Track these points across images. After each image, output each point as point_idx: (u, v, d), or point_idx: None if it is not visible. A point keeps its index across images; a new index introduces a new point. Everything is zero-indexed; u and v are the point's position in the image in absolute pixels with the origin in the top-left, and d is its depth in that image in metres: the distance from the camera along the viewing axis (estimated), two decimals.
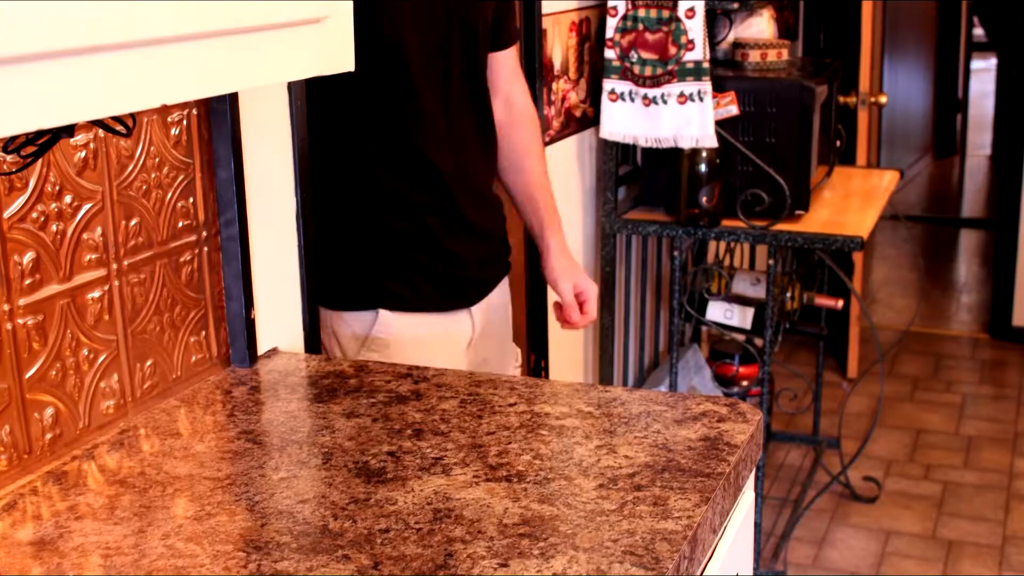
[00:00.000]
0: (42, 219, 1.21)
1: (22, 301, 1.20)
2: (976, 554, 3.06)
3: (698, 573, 1.15)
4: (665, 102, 2.63)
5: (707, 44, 2.60)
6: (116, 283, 1.32)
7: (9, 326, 1.18)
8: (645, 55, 2.62)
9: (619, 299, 2.97)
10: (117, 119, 1.20)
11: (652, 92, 2.64)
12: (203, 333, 1.47)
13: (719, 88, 2.69)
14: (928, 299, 5.15)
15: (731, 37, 3.00)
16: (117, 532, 1.10)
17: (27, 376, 1.21)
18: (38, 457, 1.23)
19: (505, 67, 1.94)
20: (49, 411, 1.24)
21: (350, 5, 1.08)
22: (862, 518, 3.26)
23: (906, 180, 6.53)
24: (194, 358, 1.46)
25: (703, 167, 2.66)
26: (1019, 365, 4.38)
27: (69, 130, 1.09)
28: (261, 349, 1.56)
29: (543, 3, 2.48)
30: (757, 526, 2.72)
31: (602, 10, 2.69)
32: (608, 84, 2.67)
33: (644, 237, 3.11)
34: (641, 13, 2.61)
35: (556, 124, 2.64)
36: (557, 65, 2.61)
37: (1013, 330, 4.59)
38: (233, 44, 0.95)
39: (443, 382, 1.46)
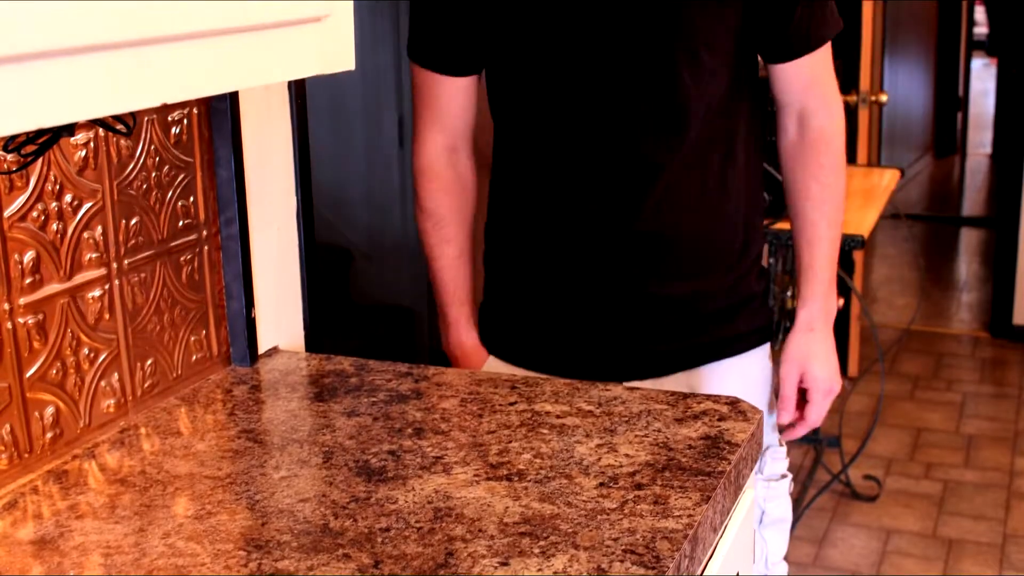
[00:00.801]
0: (42, 218, 1.21)
1: (22, 300, 1.20)
2: (977, 553, 3.06)
3: (699, 572, 1.15)
4: None
5: None
6: (116, 282, 1.32)
7: (9, 325, 1.18)
8: None
9: None
10: (117, 118, 1.20)
11: None
12: (203, 332, 1.47)
13: None
14: (928, 298, 5.14)
15: None
16: (118, 531, 1.10)
17: (27, 375, 1.21)
18: (39, 456, 1.23)
19: (798, 78, 1.59)
20: (49, 410, 1.24)
21: (351, 4, 1.08)
22: (863, 517, 3.26)
23: (906, 179, 6.52)
24: (194, 357, 1.46)
25: None
26: (1020, 364, 4.38)
27: (69, 129, 1.09)
28: (262, 348, 1.56)
29: None
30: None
31: None
32: None
33: None
34: None
35: None
36: None
37: (1013, 329, 4.59)
38: (234, 43, 0.95)
39: (443, 381, 1.46)
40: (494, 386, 1.44)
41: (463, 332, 1.69)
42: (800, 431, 1.68)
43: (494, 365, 1.66)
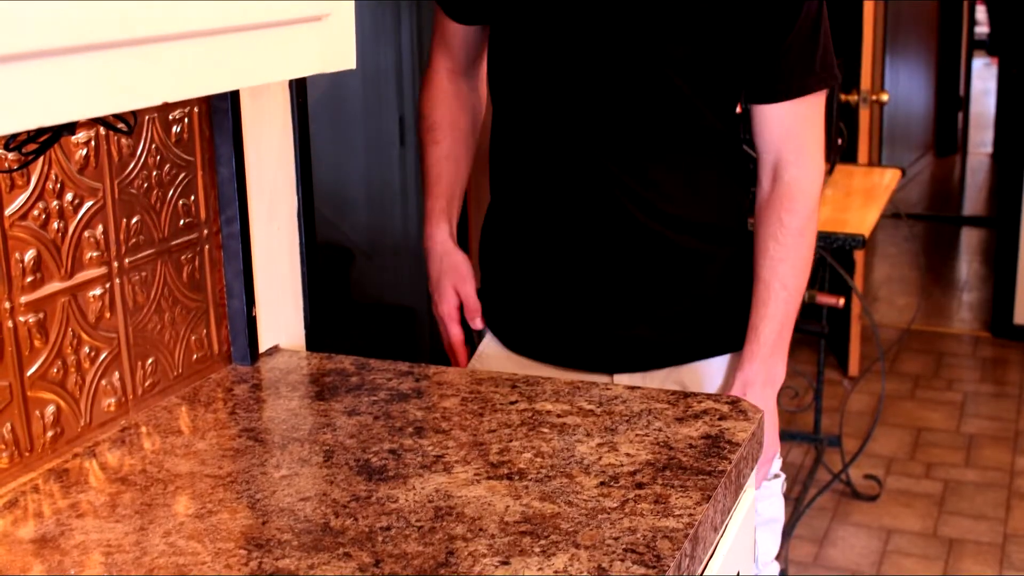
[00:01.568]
0: (43, 217, 1.21)
1: (23, 299, 1.20)
2: (977, 552, 3.06)
3: (699, 571, 1.15)
4: None
5: None
6: (117, 281, 1.32)
7: (10, 324, 1.18)
8: None
9: None
10: (118, 117, 1.20)
11: None
12: (204, 331, 1.47)
13: None
14: (929, 297, 5.14)
15: None
16: (118, 530, 1.10)
17: (28, 374, 1.21)
18: (39, 455, 1.23)
19: (775, 124, 1.54)
20: (50, 409, 1.24)
21: (351, 4, 1.08)
22: (863, 516, 3.26)
23: (907, 178, 6.52)
24: (195, 356, 1.46)
25: None
26: (1020, 363, 4.38)
27: (70, 128, 1.09)
28: (262, 347, 1.56)
29: None
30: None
31: None
32: None
33: None
34: None
35: None
36: None
37: (1014, 328, 4.59)
38: (234, 42, 0.95)
39: (444, 380, 1.46)
40: (495, 385, 1.44)
41: (434, 224, 1.72)
42: None
43: (489, 352, 1.68)
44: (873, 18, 4.01)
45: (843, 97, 3.54)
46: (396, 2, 3.55)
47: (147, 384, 1.38)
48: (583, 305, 1.58)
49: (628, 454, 1.24)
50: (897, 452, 3.65)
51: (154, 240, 1.38)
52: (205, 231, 1.46)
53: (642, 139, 1.51)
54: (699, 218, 1.57)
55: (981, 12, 8.72)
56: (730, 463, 1.22)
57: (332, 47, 1.07)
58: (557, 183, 1.56)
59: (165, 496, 1.16)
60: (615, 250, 1.55)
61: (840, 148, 3.25)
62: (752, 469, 1.33)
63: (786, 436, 3.68)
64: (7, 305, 1.18)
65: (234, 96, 1.44)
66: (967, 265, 5.90)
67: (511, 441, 1.28)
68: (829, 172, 3.17)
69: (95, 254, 1.29)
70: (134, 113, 1.27)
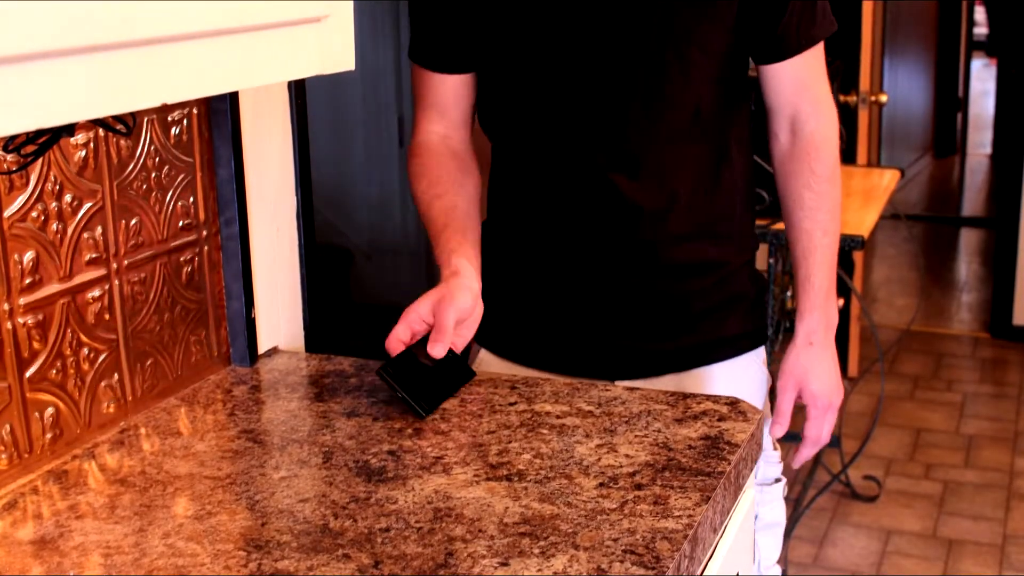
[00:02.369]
0: (42, 218, 1.21)
1: (22, 300, 1.20)
2: (977, 553, 3.06)
3: (699, 572, 1.15)
4: None
5: None
6: (116, 282, 1.32)
7: (9, 325, 1.18)
8: None
9: None
10: (117, 118, 1.20)
11: None
12: (203, 332, 1.47)
13: None
14: (928, 298, 5.14)
15: None
16: (118, 531, 1.10)
17: (27, 375, 1.21)
18: (39, 456, 1.23)
19: (788, 80, 1.55)
20: (49, 410, 1.24)
21: (351, 5, 1.08)
22: (862, 517, 3.26)
23: (906, 179, 6.53)
24: (194, 357, 1.46)
25: None
26: (1020, 364, 4.38)
27: (69, 129, 1.09)
28: (261, 348, 1.56)
29: None
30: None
31: None
32: None
33: None
34: None
35: None
36: None
37: (1013, 329, 4.59)
38: (233, 43, 0.95)
39: None
40: (494, 386, 1.44)
41: (449, 259, 1.47)
42: (805, 450, 1.65)
43: (488, 360, 1.66)
44: (872, 19, 4.01)
45: (842, 98, 3.54)
46: (396, 2, 3.55)
47: (146, 386, 1.38)
48: (585, 314, 1.57)
49: (627, 455, 1.24)
50: (896, 453, 3.65)
51: (153, 242, 1.38)
52: (204, 232, 1.46)
53: (641, 145, 1.50)
54: (707, 229, 1.56)
55: (980, 13, 8.73)
56: (729, 464, 1.22)
57: (331, 48, 1.07)
58: (558, 193, 1.54)
59: (164, 497, 1.16)
60: (617, 260, 1.54)
61: (839, 149, 3.24)
62: (751, 470, 1.33)
63: (786, 437, 3.67)
64: (6, 307, 1.18)
65: (233, 97, 1.44)
66: (966, 266, 5.90)
67: (510, 442, 1.28)
68: None
69: (94, 256, 1.29)
70: (133, 114, 1.27)
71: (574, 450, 1.25)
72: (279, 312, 1.61)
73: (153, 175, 1.36)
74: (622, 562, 1.02)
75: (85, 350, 1.28)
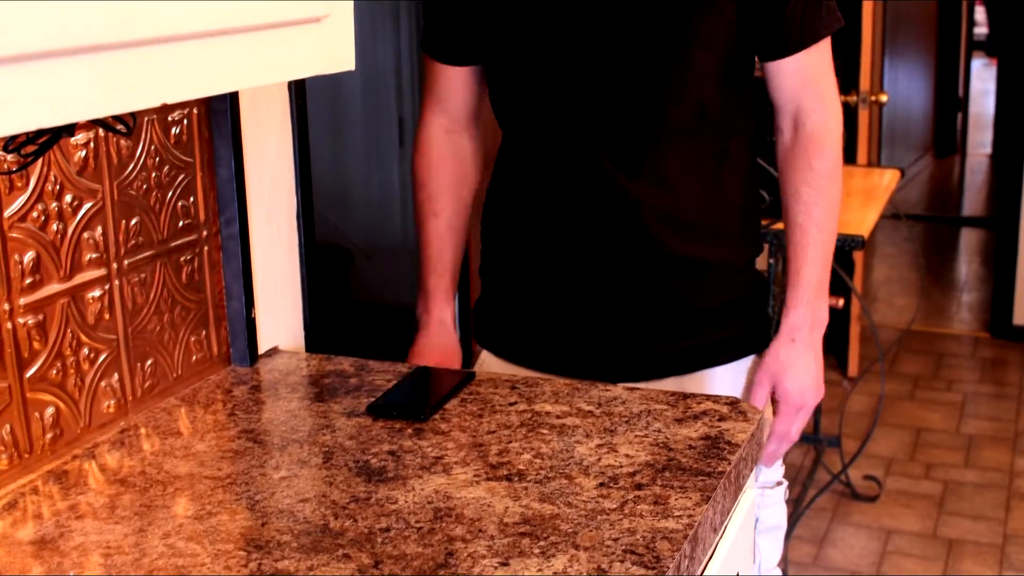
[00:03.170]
0: (42, 218, 1.21)
1: (22, 300, 1.20)
2: (977, 553, 3.06)
3: (699, 572, 1.15)
4: None
5: None
6: (116, 282, 1.32)
7: (9, 325, 1.18)
8: None
9: None
10: (117, 118, 1.20)
11: None
12: (203, 332, 1.47)
13: None
14: (929, 298, 5.14)
15: None
16: (118, 531, 1.10)
17: (28, 375, 1.21)
18: (39, 456, 1.23)
19: (792, 76, 1.55)
20: (50, 410, 1.24)
21: (351, 4, 1.08)
22: (863, 517, 3.26)
23: (907, 179, 6.53)
24: (194, 357, 1.46)
25: None
26: (1020, 364, 4.38)
27: (69, 129, 1.09)
28: (262, 348, 1.56)
29: None
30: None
31: None
32: None
33: None
34: None
35: None
36: None
37: (1014, 329, 4.59)
38: (234, 43, 0.95)
39: None
40: (494, 386, 1.44)
41: (437, 302, 1.69)
42: (771, 446, 1.60)
43: (489, 361, 1.66)
44: (872, 18, 4.01)
45: (842, 98, 3.53)
46: (395, 2, 3.55)
47: (146, 386, 1.38)
48: (586, 315, 1.57)
49: (627, 455, 1.24)
50: (897, 453, 3.65)
51: (153, 242, 1.38)
52: (204, 232, 1.46)
53: (644, 142, 1.50)
54: (709, 229, 1.56)
55: (980, 13, 8.73)
56: (729, 464, 1.22)
57: (331, 48, 1.07)
58: (560, 191, 1.54)
59: (164, 498, 1.16)
60: (619, 260, 1.54)
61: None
62: (752, 470, 1.33)
63: None
64: (6, 307, 1.18)
65: (233, 97, 1.44)
66: (966, 266, 5.90)
67: (510, 442, 1.28)
68: None
69: (94, 256, 1.29)
70: (133, 115, 1.27)
71: (574, 450, 1.25)
72: (279, 312, 1.61)
73: (153, 175, 1.36)
74: (622, 562, 1.02)
75: (85, 350, 1.28)
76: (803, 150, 1.56)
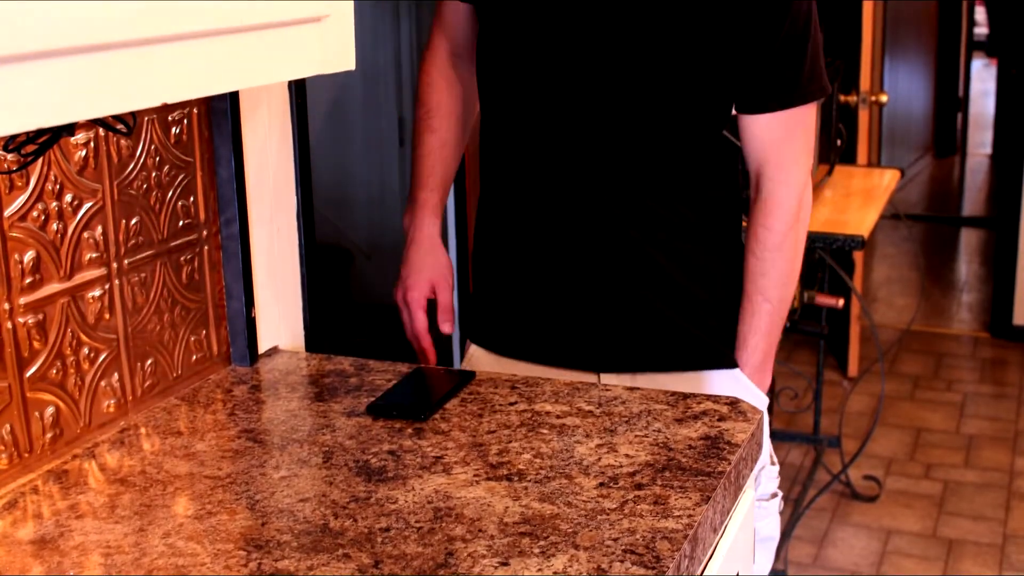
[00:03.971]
0: (42, 218, 1.21)
1: (23, 300, 1.20)
2: (977, 553, 3.06)
3: (699, 572, 1.15)
4: None
5: None
6: (116, 282, 1.32)
7: (9, 325, 1.18)
8: None
9: None
10: (117, 118, 1.20)
11: None
12: (203, 332, 1.47)
13: None
14: (929, 298, 5.14)
15: None
16: (118, 531, 1.10)
17: (28, 375, 1.21)
18: (39, 456, 1.23)
19: (758, 135, 1.54)
20: (50, 410, 1.24)
21: (351, 4, 1.08)
22: (863, 517, 3.26)
23: (907, 179, 6.53)
24: (194, 357, 1.46)
25: None
26: (1020, 364, 4.38)
27: (69, 129, 1.09)
28: (262, 348, 1.56)
29: None
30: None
31: None
32: None
33: None
34: None
35: None
36: None
37: (1014, 329, 4.59)
38: (234, 43, 0.95)
39: None
40: (494, 386, 1.44)
41: (427, 216, 1.71)
42: None
43: (479, 355, 1.67)
44: (872, 19, 4.01)
45: (842, 98, 3.54)
46: (396, 2, 3.54)
47: (146, 385, 1.38)
48: (571, 302, 1.58)
49: (627, 455, 1.24)
50: (897, 453, 3.65)
51: (153, 241, 1.38)
52: (204, 232, 1.46)
53: (631, 144, 1.51)
54: (689, 222, 1.57)
55: (980, 13, 8.72)
56: (729, 464, 1.22)
57: (331, 48, 1.07)
58: (546, 188, 1.56)
59: (164, 497, 1.16)
60: (603, 250, 1.55)
61: (839, 149, 3.25)
62: (752, 470, 1.33)
63: (786, 437, 3.68)
64: (6, 306, 1.18)
65: (233, 97, 1.44)
66: (966, 266, 5.90)
67: (510, 442, 1.28)
68: (828, 173, 3.17)
69: (94, 255, 1.29)
70: (133, 114, 1.27)
71: (574, 450, 1.25)
72: (279, 312, 1.61)
73: (153, 175, 1.36)
74: (622, 562, 1.02)
75: (85, 350, 1.28)
76: (755, 216, 1.57)
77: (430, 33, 1.74)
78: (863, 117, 4.01)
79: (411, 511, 1.12)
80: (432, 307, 1.71)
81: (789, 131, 1.53)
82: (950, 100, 7.60)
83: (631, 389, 1.42)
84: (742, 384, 1.60)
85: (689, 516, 1.11)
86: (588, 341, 1.59)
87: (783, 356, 4.20)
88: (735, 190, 1.65)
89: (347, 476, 1.20)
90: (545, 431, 1.30)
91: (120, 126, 1.22)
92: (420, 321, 1.71)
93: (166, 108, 1.37)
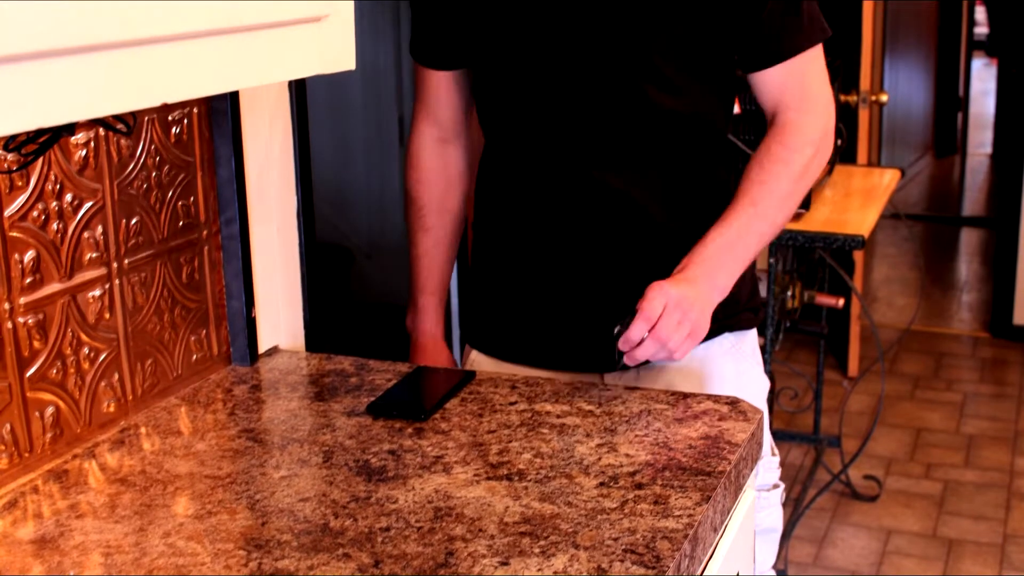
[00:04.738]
0: (43, 218, 1.21)
1: (23, 300, 1.20)
2: (977, 553, 3.06)
3: (699, 572, 1.15)
4: None
5: None
6: (117, 282, 1.32)
7: (10, 325, 1.18)
8: None
9: None
10: (118, 118, 1.20)
11: None
12: (204, 332, 1.47)
13: None
14: (929, 298, 5.14)
15: None
16: (118, 530, 1.10)
17: (28, 374, 1.21)
18: (39, 456, 1.23)
19: (774, 85, 1.53)
20: (50, 410, 1.24)
21: (351, 4, 1.08)
22: (863, 517, 3.26)
23: (907, 179, 6.52)
24: (195, 357, 1.46)
25: None
26: (1020, 364, 4.38)
27: (70, 128, 1.09)
28: (262, 348, 1.56)
29: None
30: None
31: None
32: None
33: None
34: None
35: None
36: None
37: (1014, 329, 4.59)
38: (234, 43, 0.95)
39: None
40: (494, 386, 1.44)
41: (429, 321, 1.72)
42: (637, 350, 1.41)
43: (480, 361, 1.67)
44: (872, 18, 4.01)
45: (842, 98, 3.54)
46: (396, 2, 3.55)
47: (146, 385, 1.38)
48: (570, 305, 1.58)
49: (628, 455, 1.24)
50: (897, 452, 3.65)
51: (153, 241, 1.38)
52: (204, 232, 1.46)
53: (625, 142, 1.51)
54: (687, 219, 1.56)
55: (980, 12, 8.72)
56: (729, 463, 1.22)
57: (331, 48, 1.07)
58: (544, 190, 1.56)
59: (164, 497, 1.16)
60: (600, 257, 1.55)
61: (839, 148, 3.25)
62: (752, 470, 1.33)
63: (786, 437, 3.68)
64: (7, 306, 1.18)
65: (233, 97, 1.44)
66: (966, 266, 5.90)
67: (511, 442, 1.28)
68: (828, 172, 3.17)
69: (94, 255, 1.29)
70: (133, 114, 1.27)
71: (574, 449, 1.25)
72: (279, 311, 1.61)
73: (153, 174, 1.36)
74: (622, 561, 1.02)
75: (85, 349, 1.28)
76: (769, 137, 1.53)
77: (413, 119, 1.69)
78: (863, 117, 4.01)
79: (411, 511, 1.12)
80: None
81: (803, 73, 1.52)
82: (950, 100, 7.60)
83: (631, 389, 1.42)
84: (740, 350, 1.60)
85: (689, 516, 1.11)
86: (589, 343, 1.58)
87: (783, 356, 4.20)
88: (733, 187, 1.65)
89: (347, 476, 1.20)
90: (545, 431, 1.30)
91: (120, 126, 1.22)
92: None
93: (166, 108, 1.37)
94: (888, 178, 3.37)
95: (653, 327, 1.39)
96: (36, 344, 1.22)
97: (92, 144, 1.27)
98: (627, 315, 1.42)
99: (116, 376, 1.33)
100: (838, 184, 3.22)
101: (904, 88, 6.58)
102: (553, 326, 1.60)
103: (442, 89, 1.64)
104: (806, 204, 2.76)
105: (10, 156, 1.14)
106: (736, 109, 2.64)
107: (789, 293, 3.15)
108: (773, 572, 1.68)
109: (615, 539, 1.06)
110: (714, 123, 1.56)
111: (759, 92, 1.55)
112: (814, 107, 1.53)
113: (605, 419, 1.33)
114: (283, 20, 1.00)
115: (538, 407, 1.37)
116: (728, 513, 1.24)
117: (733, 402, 1.37)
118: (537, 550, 1.05)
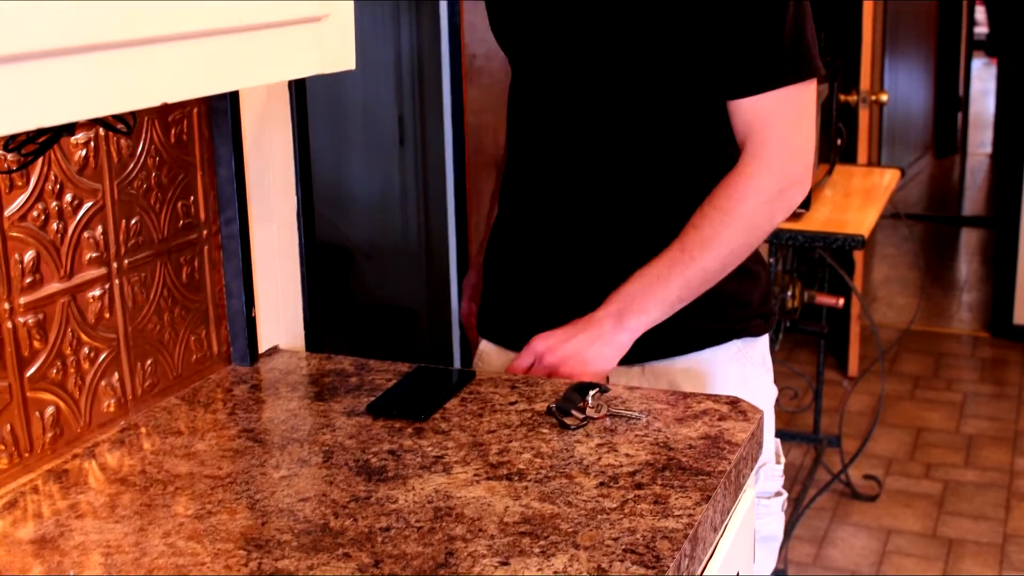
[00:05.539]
0: (43, 217, 1.21)
1: (23, 299, 1.20)
2: (977, 553, 3.06)
3: (699, 572, 1.15)
4: None
5: None
6: (117, 282, 1.32)
7: (10, 324, 1.18)
8: None
9: None
10: (118, 117, 1.20)
11: None
12: (204, 331, 1.47)
13: None
14: (929, 298, 5.14)
15: None
16: (118, 530, 1.10)
17: (28, 374, 1.21)
18: (39, 455, 1.23)
19: (740, 118, 1.44)
20: (50, 409, 1.24)
21: (351, 4, 1.08)
22: (863, 517, 3.27)
23: (907, 178, 6.52)
24: (195, 356, 1.46)
25: None
26: (1020, 364, 4.38)
27: (70, 128, 1.09)
28: (262, 347, 1.56)
29: None
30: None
31: None
32: None
33: None
34: None
35: None
36: None
37: (1014, 329, 4.59)
38: (233, 42, 0.95)
39: None
40: (494, 385, 1.44)
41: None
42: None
43: (488, 350, 1.70)
44: (872, 18, 4.01)
45: (842, 97, 3.54)
46: (395, 2, 3.54)
47: (146, 385, 1.38)
48: (578, 298, 1.58)
49: (628, 454, 1.24)
50: (897, 452, 3.65)
51: (153, 241, 1.38)
52: (204, 232, 1.46)
53: (624, 147, 1.54)
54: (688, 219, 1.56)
55: (980, 12, 8.72)
56: (730, 463, 1.22)
57: (331, 47, 1.07)
58: (555, 187, 1.59)
59: (164, 497, 1.16)
60: (608, 247, 1.57)
61: (839, 148, 3.25)
62: (752, 469, 1.33)
63: (786, 436, 3.68)
64: (6, 306, 1.18)
65: (233, 97, 1.44)
66: (966, 265, 5.90)
67: (511, 442, 1.28)
68: (828, 172, 3.17)
69: (94, 255, 1.29)
70: (133, 114, 1.27)
71: (574, 449, 1.25)
72: (279, 311, 1.61)
73: (153, 174, 1.36)
74: (622, 561, 1.02)
75: (85, 349, 1.28)
76: (724, 177, 1.46)
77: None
78: (863, 116, 4.01)
79: (411, 511, 1.12)
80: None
81: (773, 116, 1.42)
82: (950, 99, 7.60)
83: (631, 388, 1.42)
84: (746, 356, 1.60)
85: (689, 515, 1.11)
86: None
87: (783, 356, 4.20)
88: None
89: (347, 476, 1.20)
90: (545, 430, 1.30)
91: (120, 126, 1.22)
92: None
93: (166, 108, 1.37)
94: (888, 178, 3.37)
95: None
96: (36, 344, 1.22)
97: (92, 144, 1.27)
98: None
99: (116, 376, 1.33)
100: (838, 184, 3.22)
101: (904, 88, 6.58)
102: (560, 318, 1.61)
103: None
104: (806, 204, 2.76)
105: (10, 156, 1.14)
106: None
107: (789, 293, 3.15)
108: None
109: (615, 539, 1.06)
110: (716, 132, 1.56)
111: (732, 122, 1.46)
112: (775, 156, 1.43)
113: (605, 419, 1.33)
114: (283, 20, 1.00)
115: (538, 407, 1.37)
116: (728, 513, 1.24)
117: (733, 402, 1.37)
118: (537, 550, 1.05)
